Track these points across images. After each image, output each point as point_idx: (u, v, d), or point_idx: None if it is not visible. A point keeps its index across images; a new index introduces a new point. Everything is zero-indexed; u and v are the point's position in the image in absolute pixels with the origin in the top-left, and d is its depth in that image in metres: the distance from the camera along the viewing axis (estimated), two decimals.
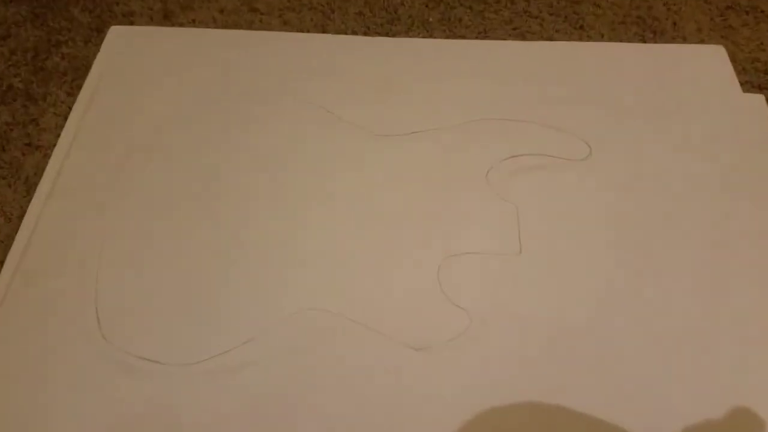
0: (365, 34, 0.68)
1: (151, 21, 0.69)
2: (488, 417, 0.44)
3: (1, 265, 0.51)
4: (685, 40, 0.67)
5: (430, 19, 0.69)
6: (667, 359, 0.47)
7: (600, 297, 0.50)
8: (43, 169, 0.57)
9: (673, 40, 0.67)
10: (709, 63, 0.64)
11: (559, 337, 0.48)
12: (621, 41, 0.67)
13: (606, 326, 0.48)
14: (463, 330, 0.48)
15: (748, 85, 0.63)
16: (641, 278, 0.51)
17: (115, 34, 0.67)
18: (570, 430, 0.44)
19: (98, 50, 0.65)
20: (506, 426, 0.45)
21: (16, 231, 0.53)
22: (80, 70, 0.65)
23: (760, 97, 0.61)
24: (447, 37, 0.67)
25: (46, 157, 0.58)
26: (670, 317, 0.49)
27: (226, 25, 0.69)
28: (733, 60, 0.64)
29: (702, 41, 0.67)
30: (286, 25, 0.68)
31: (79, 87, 0.63)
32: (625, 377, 0.46)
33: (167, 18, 0.69)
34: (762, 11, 0.69)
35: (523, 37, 0.67)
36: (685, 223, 0.53)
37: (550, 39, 0.67)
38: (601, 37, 0.67)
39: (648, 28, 0.68)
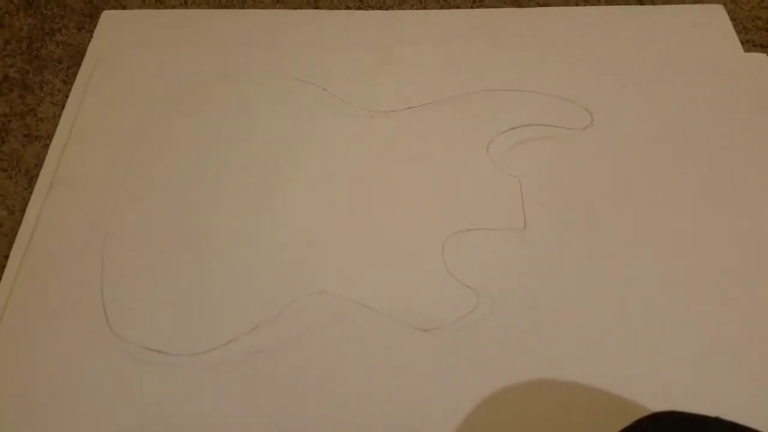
0: (358, 8, 0.67)
1: (143, 4, 0.68)
2: (498, 398, 0.44)
3: (6, 259, 0.52)
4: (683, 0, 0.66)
5: None
6: (681, 334, 0.47)
7: (609, 269, 0.49)
8: (43, 160, 0.57)
9: (671, 0, 0.66)
10: (708, 23, 0.64)
11: (569, 314, 0.47)
12: (618, 4, 0.66)
13: (618, 301, 0.48)
14: (470, 309, 0.47)
15: (749, 44, 0.63)
16: (652, 248, 0.50)
17: (108, 18, 0.67)
18: (581, 409, 0.44)
19: (92, 36, 0.66)
20: (517, 408, 0.44)
21: (19, 224, 0.53)
22: (75, 57, 0.65)
23: (761, 56, 0.61)
24: (441, 8, 0.67)
25: (46, 147, 0.58)
26: (686, 288, 0.48)
27: (218, 5, 0.68)
28: (733, 19, 0.64)
29: (700, 1, 0.66)
30: (278, 3, 0.68)
31: (75, 74, 0.63)
32: (640, 353, 0.46)
33: (159, 0, 0.68)
34: None
35: (518, 3, 0.66)
36: (691, 188, 0.53)
37: (546, 5, 0.66)
38: (598, 1, 0.66)
39: None
